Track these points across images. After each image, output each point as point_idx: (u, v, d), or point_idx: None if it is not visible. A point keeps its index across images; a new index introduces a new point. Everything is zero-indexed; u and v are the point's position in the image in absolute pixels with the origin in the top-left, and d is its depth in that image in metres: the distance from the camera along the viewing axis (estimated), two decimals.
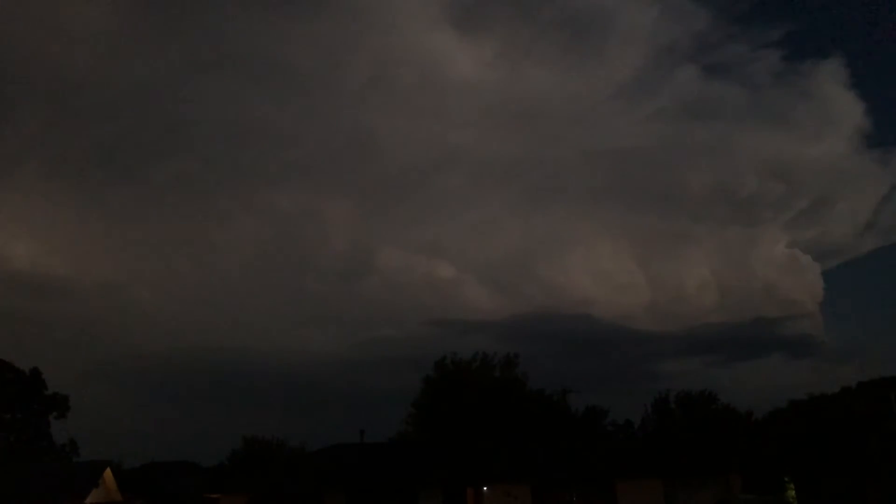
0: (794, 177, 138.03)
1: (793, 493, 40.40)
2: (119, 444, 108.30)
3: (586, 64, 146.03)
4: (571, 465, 35.69)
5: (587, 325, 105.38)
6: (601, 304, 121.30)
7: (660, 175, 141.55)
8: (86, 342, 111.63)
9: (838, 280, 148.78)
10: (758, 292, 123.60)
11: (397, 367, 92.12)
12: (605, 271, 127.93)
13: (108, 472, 41.58)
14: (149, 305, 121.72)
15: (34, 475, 39.45)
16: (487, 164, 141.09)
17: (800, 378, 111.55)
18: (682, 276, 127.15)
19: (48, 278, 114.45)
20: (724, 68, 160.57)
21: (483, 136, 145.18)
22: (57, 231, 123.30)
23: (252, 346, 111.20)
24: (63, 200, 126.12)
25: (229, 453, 60.07)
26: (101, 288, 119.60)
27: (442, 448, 41.01)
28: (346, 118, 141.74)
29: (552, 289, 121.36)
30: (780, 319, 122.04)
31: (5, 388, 53.29)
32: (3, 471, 39.94)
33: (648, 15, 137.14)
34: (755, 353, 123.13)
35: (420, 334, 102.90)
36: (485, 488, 33.47)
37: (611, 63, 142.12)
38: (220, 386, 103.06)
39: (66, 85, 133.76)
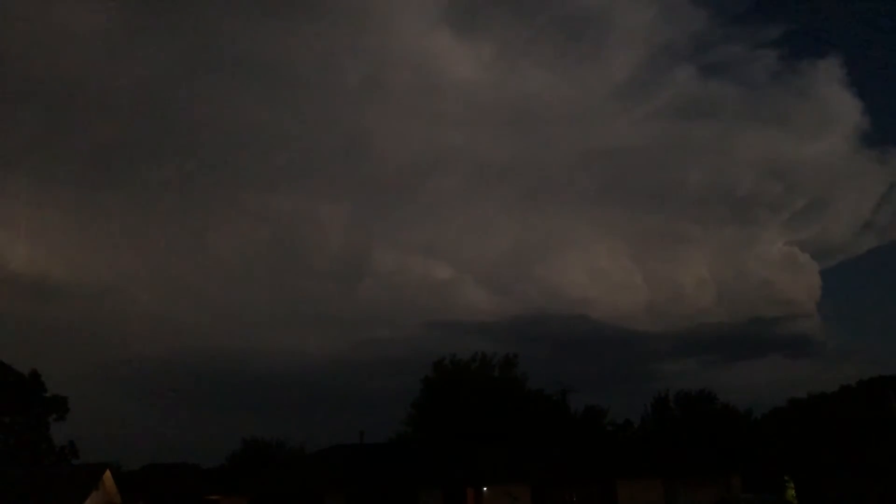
0: (791, 176, 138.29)
1: (793, 492, 40.45)
2: (119, 445, 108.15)
3: (583, 64, 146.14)
4: (571, 465, 35.71)
5: (585, 326, 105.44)
6: (599, 305, 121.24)
7: (657, 175, 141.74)
8: (85, 344, 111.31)
9: (836, 279, 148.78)
10: (756, 292, 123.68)
11: (396, 368, 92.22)
12: (602, 271, 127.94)
13: (107, 475, 41.57)
14: (147, 307, 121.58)
15: (34, 477, 39.44)
16: (485, 164, 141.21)
17: (798, 377, 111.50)
18: (680, 275, 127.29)
19: (47, 280, 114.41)
20: (722, 68, 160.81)
21: (480, 136, 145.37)
22: (55, 233, 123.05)
23: (251, 347, 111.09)
24: (61, 202, 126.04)
25: (229, 455, 60.20)
26: (100, 290, 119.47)
27: (442, 449, 41.02)
28: (344, 119, 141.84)
29: (550, 289, 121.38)
30: (778, 319, 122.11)
31: (4, 390, 53.28)
32: (2, 473, 39.93)
33: (646, 15, 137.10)
34: (753, 353, 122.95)
35: (418, 335, 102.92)
36: (485, 489, 33.49)
37: (608, 63, 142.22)
38: (219, 388, 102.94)
39: (63, 87, 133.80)
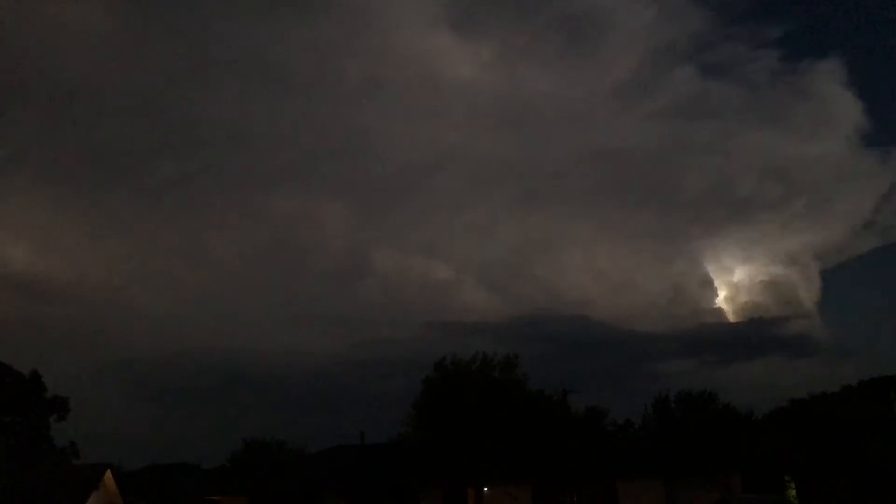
0: (792, 176, 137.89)
1: (793, 492, 40.47)
2: (119, 446, 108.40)
3: (584, 64, 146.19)
4: (572, 465, 35.71)
5: (586, 326, 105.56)
6: (600, 305, 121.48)
7: (658, 175, 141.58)
8: (85, 344, 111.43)
9: (836, 279, 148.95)
10: (756, 292, 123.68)
11: (396, 368, 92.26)
12: (603, 271, 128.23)
13: (108, 475, 41.57)
14: (148, 307, 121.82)
15: (35, 478, 39.45)
16: (485, 164, 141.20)
17: (799, 378, 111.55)
18: (680, 276, 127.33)
19: (47, 281, 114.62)
20: (722, 68, 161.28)
21: (480, 136, 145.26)
22: (55, 233, 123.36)
23: (251, 348, 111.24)
24: (61, 203, 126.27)
25: (230, 455, 60.10)
26: (100, 290, 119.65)
27: (442, 449, 41.00)
28: (343, 119, 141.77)
29: (551, 289, 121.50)
30: (778, 319, 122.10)
31: (5, 390, 53.23)
32: (3, 474, 39.93)
33: (646, 15, 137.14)
34: (753, 353, 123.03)
35: (419, 336, 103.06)
36: (485, 489, 33.53)
37: (608, 63, 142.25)
38: (219, 388, 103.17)
39: (64, 87, 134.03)
